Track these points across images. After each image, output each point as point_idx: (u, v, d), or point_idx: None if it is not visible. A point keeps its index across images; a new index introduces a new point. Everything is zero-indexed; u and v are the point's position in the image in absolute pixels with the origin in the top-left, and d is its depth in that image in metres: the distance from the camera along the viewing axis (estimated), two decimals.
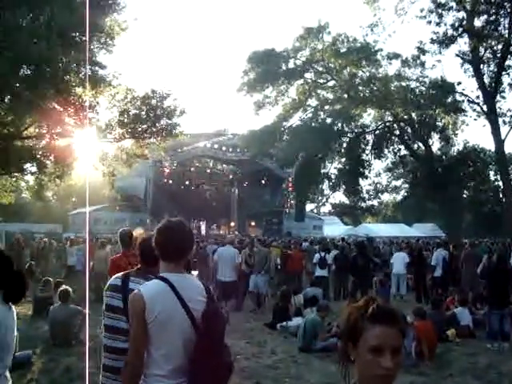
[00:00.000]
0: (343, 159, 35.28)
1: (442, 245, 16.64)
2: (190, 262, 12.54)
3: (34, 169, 20.46)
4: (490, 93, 27.39)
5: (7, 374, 3.08)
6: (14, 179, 22.63)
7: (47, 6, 14.67)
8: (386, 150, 33.24)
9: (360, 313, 1.75)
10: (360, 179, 34.81)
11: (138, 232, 4.48)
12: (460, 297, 11.45)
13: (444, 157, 33.20)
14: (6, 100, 16.61)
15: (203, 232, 42.72)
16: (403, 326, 1.75)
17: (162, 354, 2.68)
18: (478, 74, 27.65)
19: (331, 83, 33.99)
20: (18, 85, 15.79)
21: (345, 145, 33.33)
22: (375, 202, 58.04)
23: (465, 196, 49.28)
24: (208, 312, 2.74)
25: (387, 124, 32.35)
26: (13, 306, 3.14)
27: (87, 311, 7.62)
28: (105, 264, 11.75)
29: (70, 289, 9.50)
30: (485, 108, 27.92)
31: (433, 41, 27.84)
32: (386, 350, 1.65)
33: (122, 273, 3.55)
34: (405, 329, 1.76)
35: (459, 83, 29.12)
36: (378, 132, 32.80)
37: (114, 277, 3.54)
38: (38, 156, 19.32)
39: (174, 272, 2.81)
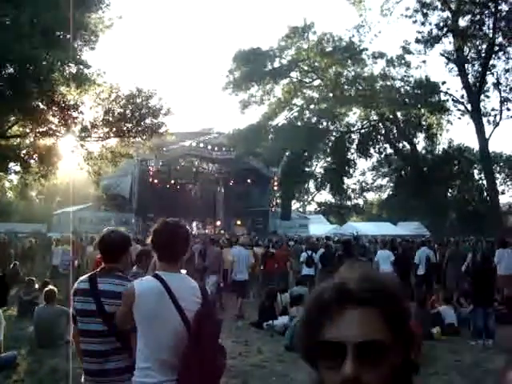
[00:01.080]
0: (329, 158, 35.39)
1: (426, 243, 16.67)
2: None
3: (18, 168, 20.32)
4: (475, 92, 27.60)
5: None
6: None
7: (30, 4, 14.55)
8: (371, 149, 33.41)
9: None
10: (345, 178, 34.94)
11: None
12: (444, 295, 11.53)
13: (429, 156, 33.37)
14: None
15: (194, 231, 42.64)
16: None
17: (150, 349, 2.76)
18: (463, 74, 27.85)
19: (317, 82, 34.07)
20: (1, 84, 15.67)
21: (330, 144, 33.43)
22: (360, 201, 58.17)
23: (449, 195, 49.61)
24: (201, 313, 2.76)
25: (372, 123, 32.53)
26: None
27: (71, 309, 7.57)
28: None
29: (56, 289, 9.45)
30: (469, 107, 28.14)
31: (418, 40, 28.02)
32: None
33: (86, 275, 3.50)
34: None
35: (444, 83, 29.37)
36: (363, 131, 32.97)
37: (79, 281, 3.48)
38: (22, 155, 19.20)
39: (170, 271, 2.87)
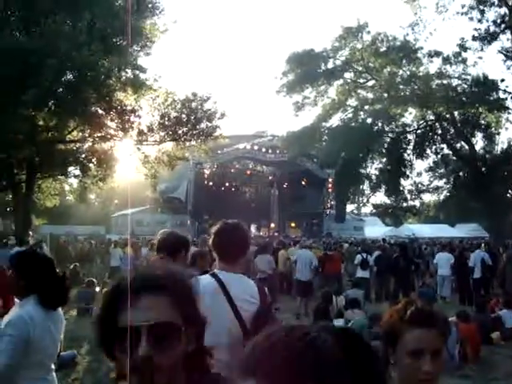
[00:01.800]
0: (384, 159, 34.92)
1: (481, 246, 16.23)
2: None
3: (77, 172, 20.87)
4: None
5: (49, 377, 3.11)
6: (58, 182, 23.09)
7: (87, 12, 14.92)
8: (427, 150, 32.75)
9: (398, 315, 1.74)
10: (401, 179, 34.40)
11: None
12: (505, 299, 11.21)
13: (487, 156, 32.52)
14: (49, 105, 16.96)
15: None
16: (443, 329, 1.72)
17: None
18: None
19: (371, 83, 33.67)
20: (61, 90, 16.11)
21: (386, 145, 33.00)
22: (417, 203, 57.15)
23: (509, 196, 48.21)
24: (259, 314, 2.77)
25: (429, 123, 31.86)
26: (58, 309, 3.17)
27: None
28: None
29: None
30: None
31: (474, 38, 27.36)
32: (426, 353, 1.63)
33: None
34: (445, 331, 1.73)
35: (502, 80, 28.53)
36: (419, 131, 32.33)
37: None
38: (81, 159, 19.70)
39: (228, 271, 2.90)
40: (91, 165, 20.25)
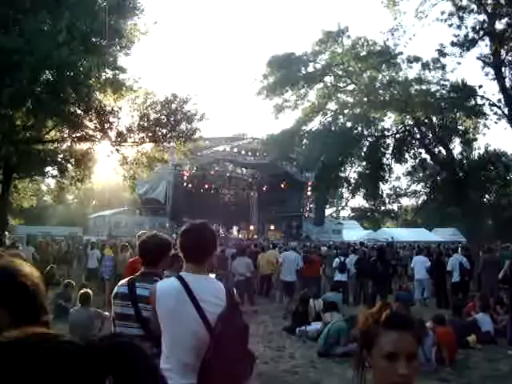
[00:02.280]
0: (363, 163, 35.09)
1: (459, 250, 16.40)
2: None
3: (55, 172, 20.68)
4: None
5: None
6: (35, 183, 22.87)
7: (68, 11, 14.79)
8: (406, 154, 32.97)
9: (374, 319, 1.74)
10: (380, 183, 34.58)
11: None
12: (481, 302, 11.33)
13: (465, 161, 32.82)
14: (27, 104, 16.79)
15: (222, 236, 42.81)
16: (419, 332, 1.73)
17: (170, 349, 2.77)
18: (500, 77, 27.35)
19: (351, 87, 33.81)
20: (39, 89, 15.95)
21: (365, 149, 33.13)
22: (395, 206, 57.67)
23: (486, 201, 48.73)
24: (223, 315, 2.74)
25: (408, 128, 32.07)
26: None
27: (108, 314, 7.66)
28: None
29: (91, 292, 9.58)
30: (506, 111, 27.62)
31: (453, 44, 27.61)
32: (401, 356, 1.64)
33: (126, 279, 3.53)
34: (420, 334, 1.74)
35: (480, 86, 28.82)
36: (398, 136, 32.53)
37: (119, 284, 3.53)
38: (59, 159, 19.52)
39: (194, 273, 2.89)
40: (69, 165, 20.09)
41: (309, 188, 41.28)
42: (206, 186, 46.06)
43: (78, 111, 17.22)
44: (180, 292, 2.79)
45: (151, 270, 3.45)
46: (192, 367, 2.67)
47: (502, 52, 27.18)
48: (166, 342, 2.81)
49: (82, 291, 9.61)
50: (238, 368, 2.76)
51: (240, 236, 42.36)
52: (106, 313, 8.85)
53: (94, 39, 16.97)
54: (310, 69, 33.95)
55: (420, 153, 33.26)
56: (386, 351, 1.66)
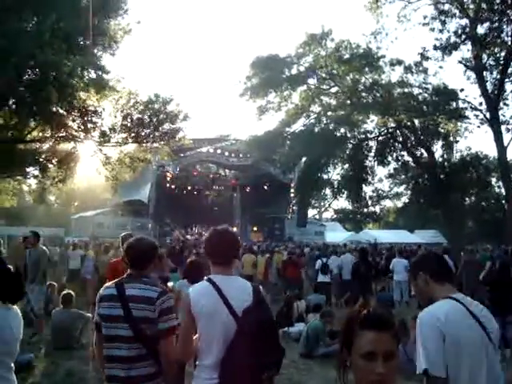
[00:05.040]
0: (346, 165, 35.23)
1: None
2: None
3: (36, 172, 20.50)
4: (493, 100, 27.38)
5: (10, 376, 3.07)
6: (16, 182, 22.67)
7: (52, 11, 14.71)
8: (388, 157, 33.15)
9: (353, 319, 1.77)
10: (363, 185, 34.73)
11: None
12: None
13: (446, 163, 33.08)
14: (10, 104, 16.66)
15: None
16: (397, 331, 1.76)
17: (207, 346, 2.98)
18: (481, 81, 27.63)
19: (334, 89, 33.94)
20: (22, 89, 15.84)
21: (348, 151, 33.27)
22: (377, 209, 57.89)
23: (467, 203, 49.17)
24: (248, 309, 2.94)
25: (390, 130, 32.27)
26: (15, 307, 3.14)
27: (91, 315, 7.64)
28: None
29: (73, 293, 9.54)
30: (487, 115, 27.91)
31: (436, 47, 27.84)
32: (378, 356, 1.66)
33: (112, 282, 3.52)
34: (399, 334, 1.77)
35: (462, 90, 29.10)
36: (380, 138, 32.73)
37: (105, 286, 3.52)
38: (41, 159, 19.37)
39: (221, 274, 3.13)
40: (51, 165, 19.93)
41: (292, 189, 41.34)
42: (189, 187, 45.95)
43: (61, 111, 17.11)
44: (212, 292, 3.01)
45: (139, 272, 3.45)
46: None
47: (484, 56, 27.47)
48: (204, 341, 3.00)
49: (63, 293, 9.57)
50: (263, 359, 2.91)
51: None
52: (89, 314, 8.84)
53: (77, 39, 16.90)
54: (294, 71, 34.05)
55: (402, 155, 33.50)
56: (364, 351, 1.69)
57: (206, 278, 3.15)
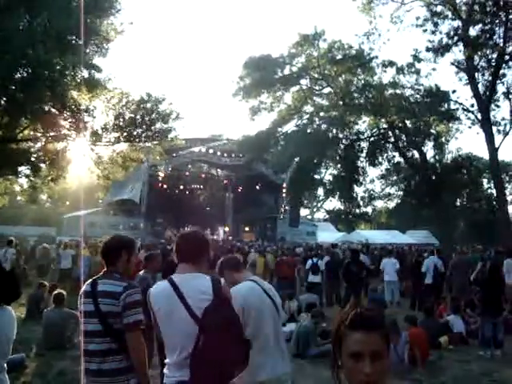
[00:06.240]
0: (338, 165, 35.29)
1: (434, 252, 16.53)
2: None
3: (28, 171, 20.43)
4: (485, 101, 27.49)
5: (1, 376, 3.06)
6: (8, 182, 22.57)
7: (44, 10, 14.67)
8: (380, 157, 33.22)
9: (342, 319, 1.78)
10: (355, 186, 34.80)
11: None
12: (453, 304, 11.48)
13: (438, 164, 33.19)
14: (1, 102, 16.59)
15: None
16: (386, 332, 1.76)
17: (168, 345, 3.02)
18: (473, 83, 27.73)
19: (326, 90, 33.96)
20: (13, 87, 15.78)
21: (340, 151, 33.31)
22: (369, 209, 57.99)
23: (458, 204, 49.35)
24: (209, 307, 2.89)
25: (382, 131, 32.35)
26: (9, 307, 3.13)
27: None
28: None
29: (64, 292, 9.51)
30: (479, 116, 28.02)
31: (428, 49, 27.93)
32: (366, 356, 1.67)
33: (91, 279, 3.59)
34: (388, 334, 1.78)
35: (454, 91, 29.21)
36: (372, 139, 32.80)
37: (85, 283, 3.59)
38: (33, 159, 19.30)
39: (184, 273, 3.12)
40: (43, 165, 19.87)
41: (284, 189, 41.37)
42: (182, 187, 45.94)
43: (53, 110, 17.06)
44: (170, 292, 3.00)
45: (112, 268, 3.52)
46: (187, 362, 2.84)
47: (476, 58, 27.58)
48: (166, 340, 3.03)
49: (55, 292, 9.54)
50: (230, 355, 2.87)
51: (215, 237, 42.30)
52: None
53: (69, 38, 16.84)
54: (287, 71, 34.05)
55: (394, 156, 33.62)
56: (351, 351, 1.70)
57: (168, 277, 3.16)
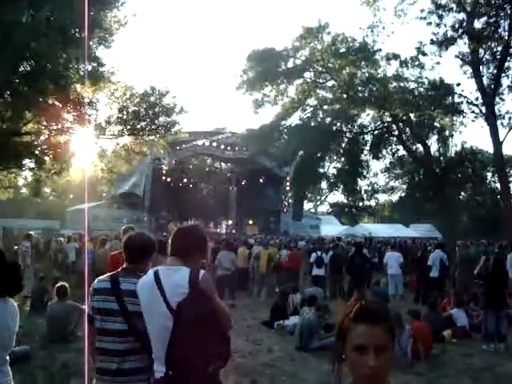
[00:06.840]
0: (342, 159, 35.21)
1: (440, 246, 16.48)
2: None
3: (32, 165, 20.44)
4: (489, 94, 27.36)
5: (4, 368, 3.07)
6: (12, 175, 22.60)
7: (47, 3, 14.63)
8: (384, 151, 33.15)
9: (347, 312, 1.78)
10: (358, 179, 34.75)
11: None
12: (456, 298, 11.48)
13: (442, 158, 33.11)
14: (5, 96, 16.58)
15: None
16: (390, 325, 1.76)
17: (151, 339, 2.98)
18: (477, 76, 27.60)
19: (330, 83, 33.82)
20: (17, 81, 15.77)
21: (343, 144, 33.24)
22: (372, 202, 57.96)
23: (462, 197, 49.29)
24: (183, 301, 2.82)
25: (386, 124, 32.25)
26: (11, 300, 3.14)
27: (86, 308, 7.63)
28: (104, 261, 11.77)
29: (68, 285, 9.54)
30: (483, 110, 27.90)
31: (432, 42, 27.78)
32: (370, 349, 1.67)
33: (106, 275, 3.54)
34: (393, 327, 1.77)
35: (458, 84, 29.05)
36: (376, 132, 32.70)
37: (98, 280, 3.52)
38: (37, 152, 19.31)
39: (171, 265, 3.06)
40: (47, 158, 19.88)
41: (287, 183, 41.37)
42: (185, 180, 45.95)
43: (57, 103, 17.04)
44: (152, 286, 2.95)
45: (135, 266, 3.46)
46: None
47: (480, 51, 27.44)
48: (150, 334, 2.99)
49: (58, 285, 9.57)
50: (209, 350, 2.83)
51: (218, 230, 42.36)
52: (84, 306, 8.83)
53: (73, 31, 16.80)
54: (290, 64, 33.94)
55: (398, 149, 33.53)
56: (355, 344, 1.70)
57: (155, 269, 3.10)
